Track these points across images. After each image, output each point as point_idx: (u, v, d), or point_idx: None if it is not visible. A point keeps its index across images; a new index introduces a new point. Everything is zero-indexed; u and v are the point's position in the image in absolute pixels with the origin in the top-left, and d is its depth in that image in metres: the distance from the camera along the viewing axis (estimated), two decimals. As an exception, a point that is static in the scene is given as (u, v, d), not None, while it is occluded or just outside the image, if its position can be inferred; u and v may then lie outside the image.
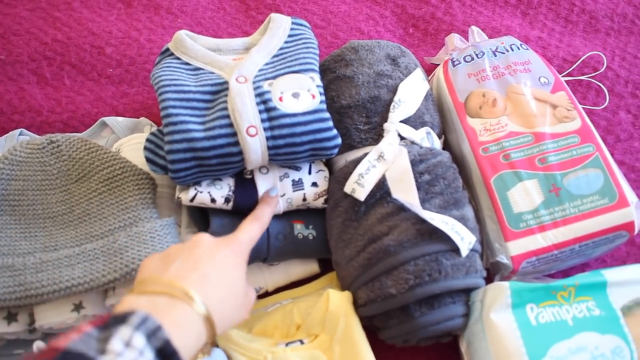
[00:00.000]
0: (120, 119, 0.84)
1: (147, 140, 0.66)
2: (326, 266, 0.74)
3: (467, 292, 0.64)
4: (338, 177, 0.68)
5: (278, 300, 0.71)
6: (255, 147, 0.62)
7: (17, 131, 0.83)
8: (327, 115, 0.65)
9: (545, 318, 0.61)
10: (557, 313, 0.61)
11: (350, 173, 0.66)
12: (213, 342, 0.52)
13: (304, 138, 0.63)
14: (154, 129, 0.70)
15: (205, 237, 0.56)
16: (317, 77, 0.68)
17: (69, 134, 0.71)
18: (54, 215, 0.67)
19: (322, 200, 0.69)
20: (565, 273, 0.74)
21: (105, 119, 0.83)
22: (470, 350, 0.63)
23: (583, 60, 0.93)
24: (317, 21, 0.99)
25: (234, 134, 0.62)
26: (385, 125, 0.68)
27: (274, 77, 0.67)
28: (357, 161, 0.67)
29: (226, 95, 0.65)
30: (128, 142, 0.76)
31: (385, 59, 0.73)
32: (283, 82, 0.66)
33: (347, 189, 0.65)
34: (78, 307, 0.63)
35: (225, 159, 0.63)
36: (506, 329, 0.60)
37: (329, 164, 0.73)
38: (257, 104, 0.64)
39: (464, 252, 0.61)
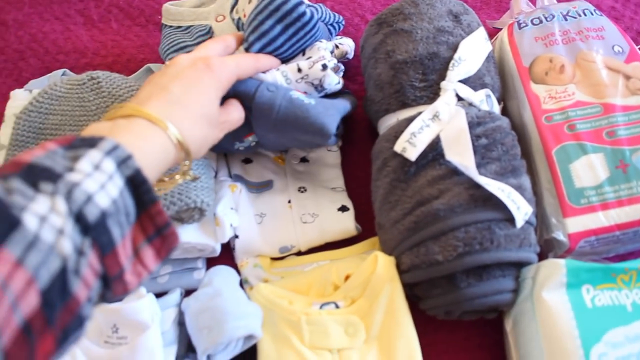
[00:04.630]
0: (166, 66, 0.82)
1: None
2: (366, 231, 0.71)
3: (518, 267, 0.59)
4: (388, 135, 0.64)
5: (316, 260, 0.68)
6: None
7: (60, 71, 0.81)
8: None
9: (602, 301, 0.56)
10: (616, 297, 0.56)
11: (402, 132, 0.62)
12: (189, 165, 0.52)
13: (269, 20, 0.62)
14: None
15: (181, 57, 0.56)
16: None
17: (110, 72, 0.69)
18: (89, 152, 0.65)
19: (319, 65, 0.64)
20: (623, 258, 0.69)
21: (152, 65, 0.81)
22: (516, 329, 0.60)
23: (659, 35, 0.86)
24: (375, -22, 0.94)
25: None
26: (443, 84, 0.64)
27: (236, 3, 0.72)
28: (410, 120, 0.63)
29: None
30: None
31: (447, 15, 0.69)
32: (241, 1, 0.70)
33: (398, 147, 0.62)
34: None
35: None
36: (559, 310, 0.56)
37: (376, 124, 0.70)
38: (238, 28, 0.71)
39: (519, 222, 0.57)
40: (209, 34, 0.73)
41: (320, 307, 0.61)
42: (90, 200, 0.38)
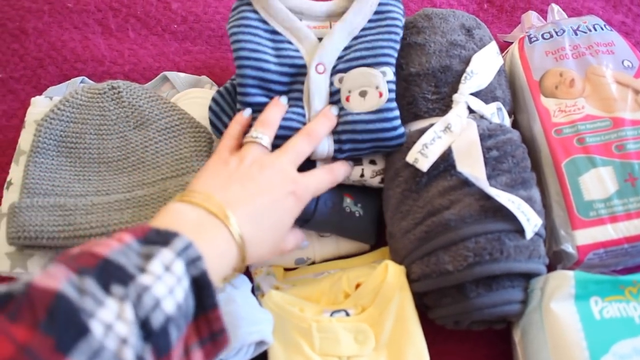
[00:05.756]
0: (181, 74, 0.83)
1: (213, 100, 0.66)
2: (377, 242, 0.71)
3: (527, 278, 0.60)
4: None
5: (327, 268, 0.69)
6: (322, 148, 0.64)
7: (79, 79, 0.82)
8: (392, 114, 0.63)
9: (610, 313, 0.57)
10: (624, 309, 0.57)
11: (414, 142, 0.63)
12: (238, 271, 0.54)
13: (366, 136, 0.63)
14: (221, 88, 0.69)
15: (274, 163, 0.57)
16: (390, 71, 0.64)
17: (131, 82, 0.70)
18: (109, 160, 0.67)
19: (378, 179, 0.67)
20: (631, 271, 0.69)
21: (167, 73, 0.82)
22: (525, 340, 0.60)
23: (669, 51, 0.86)
24: (388, -9, 0.95)
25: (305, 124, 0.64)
26: (455, 97, 0.65)
27: (345, 70, 0.65)
28: (422, 131, 0.64)
29: (302, 83, 0.66)
30: (184, 96, 0.75)
31: (460, 29, 0.70)
32: (352, 79, 0.65)
33: (410, 158, 0.62)
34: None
35: None
36: (567, 321, 0.56)
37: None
38: (330, 94, 0.66)
39: (529, 234, 0.58)
40: (301, 74, 0.66)
41: (331, 315, 0.61)
42: (157, 306, 0.38)
